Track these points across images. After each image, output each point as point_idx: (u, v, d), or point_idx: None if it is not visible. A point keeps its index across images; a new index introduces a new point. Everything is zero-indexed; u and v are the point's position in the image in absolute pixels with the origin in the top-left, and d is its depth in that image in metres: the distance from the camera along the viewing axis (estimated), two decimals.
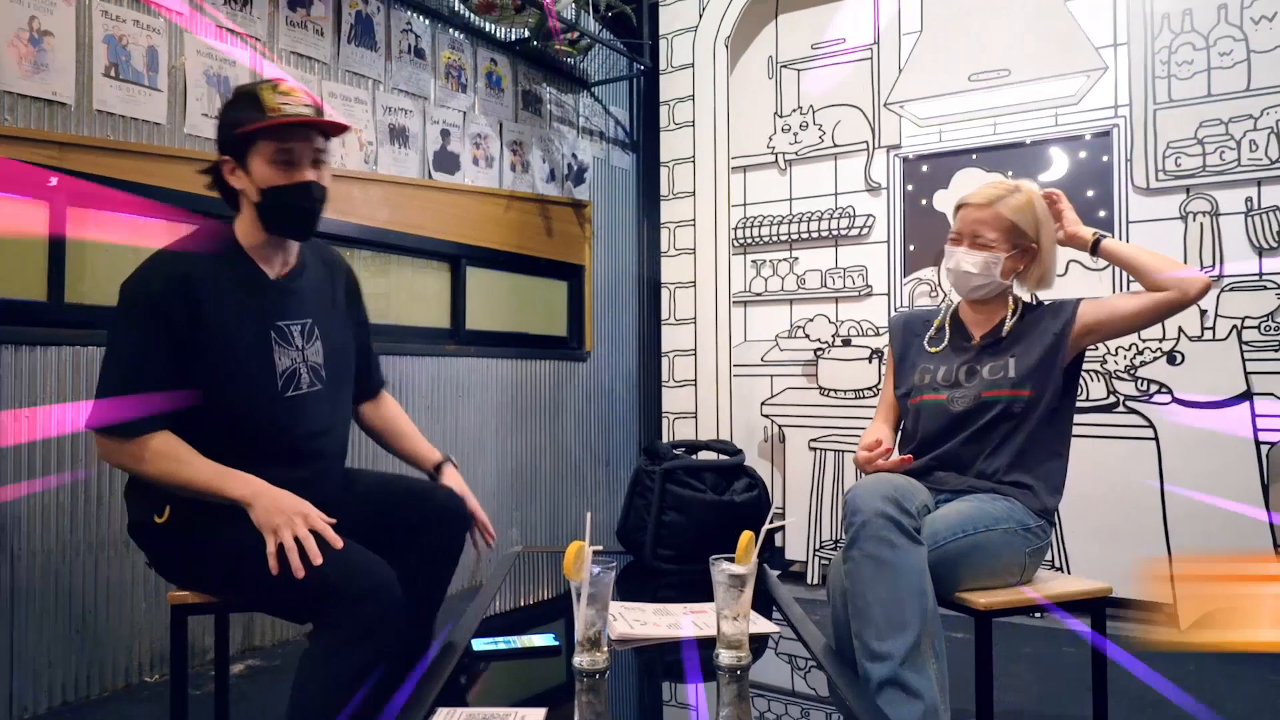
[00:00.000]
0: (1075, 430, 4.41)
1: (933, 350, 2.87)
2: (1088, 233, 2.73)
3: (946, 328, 2.89)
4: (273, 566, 2.04)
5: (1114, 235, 4.40)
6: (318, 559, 2.04)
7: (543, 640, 2.29)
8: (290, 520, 2.08)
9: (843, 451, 5.16)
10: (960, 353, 2.80)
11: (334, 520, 2.16)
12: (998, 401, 2.65)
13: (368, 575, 2.10)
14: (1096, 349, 4.44)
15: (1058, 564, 4.51)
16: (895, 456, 2.68)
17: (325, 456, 2.43)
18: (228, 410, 2.25)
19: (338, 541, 2.11)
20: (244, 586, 2.23)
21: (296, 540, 2.06)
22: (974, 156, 4.83)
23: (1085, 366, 4.44)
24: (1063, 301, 2.75)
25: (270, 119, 2.21)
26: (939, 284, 4.89)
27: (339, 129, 2.35)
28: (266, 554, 2.05)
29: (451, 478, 2.68)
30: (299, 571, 2.03)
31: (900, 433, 2.98)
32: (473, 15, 5.10)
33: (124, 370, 2.16)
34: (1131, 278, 2.68)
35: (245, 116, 2.23)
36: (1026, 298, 2.86)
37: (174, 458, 2.16)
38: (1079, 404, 4.44)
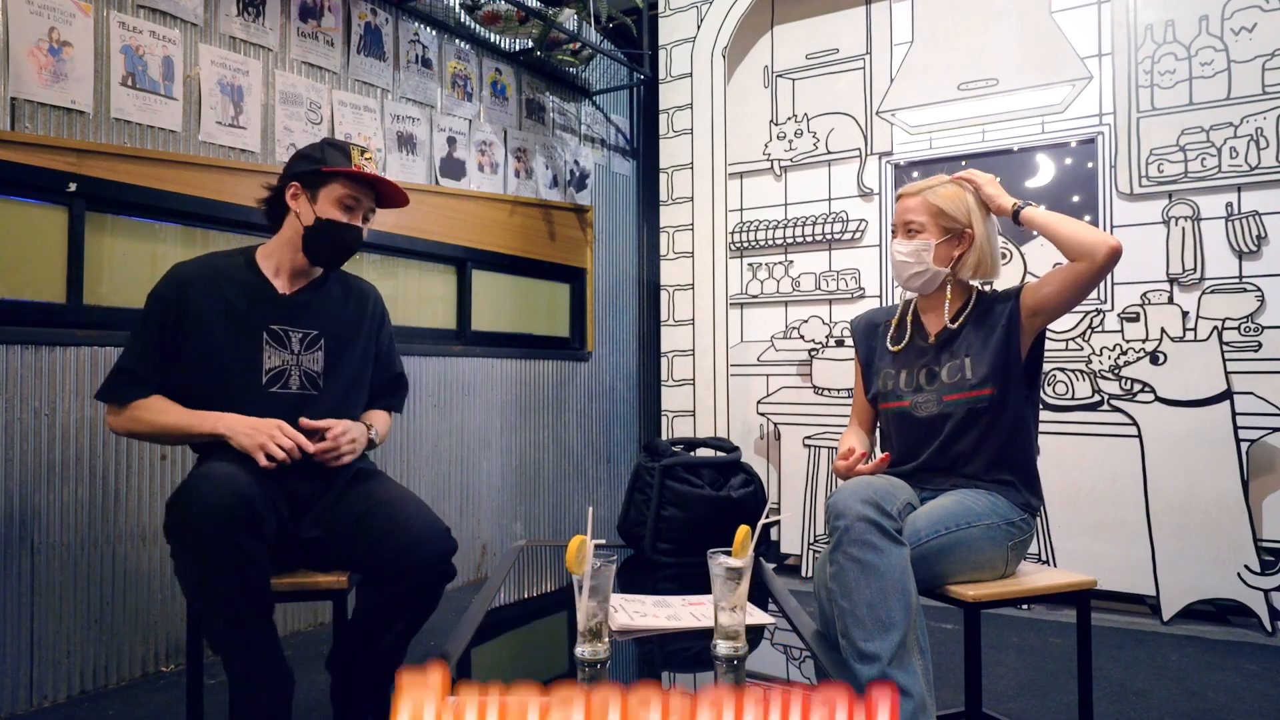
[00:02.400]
0: (1061, 428, 4.47)
1: (894, 350, 2.83)
2: (1008, 202, 2.69)
3: (908, 325, 2.84)
4: (263, 462, 2.35)
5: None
6: (310, 448, 2.44)
7: None
8: (270, 435, 2.38)
9: (836, 449, 5.15)
10: (919, 355, 2.76)
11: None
12: (960, 405, 2.62)
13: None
14: (1080, 349, 4.45)
15: (1044, 557, 4.51)
16: (875, 457, 2.67)
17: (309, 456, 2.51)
18: (214, 399, 2.48)
19: (309, 448, 2.44)
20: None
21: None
22: (963, 163, 4.82)
23: (1070, 366, 4.46)
24: (1010, 288, 2.71)
25: (355, 168, 2.57)
26: None
27: (403, 200, 2.74)
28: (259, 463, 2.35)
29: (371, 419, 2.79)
30: (292, 454, 2.40)
31: (880, 434, 2.97)
32: (478, 27, 5.10)
33: (127, 355, 2.48)
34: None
35: (334, 159, 2.57)
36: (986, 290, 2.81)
37: (154, 410, 2.46)
38: (1064, 403, 4.49)
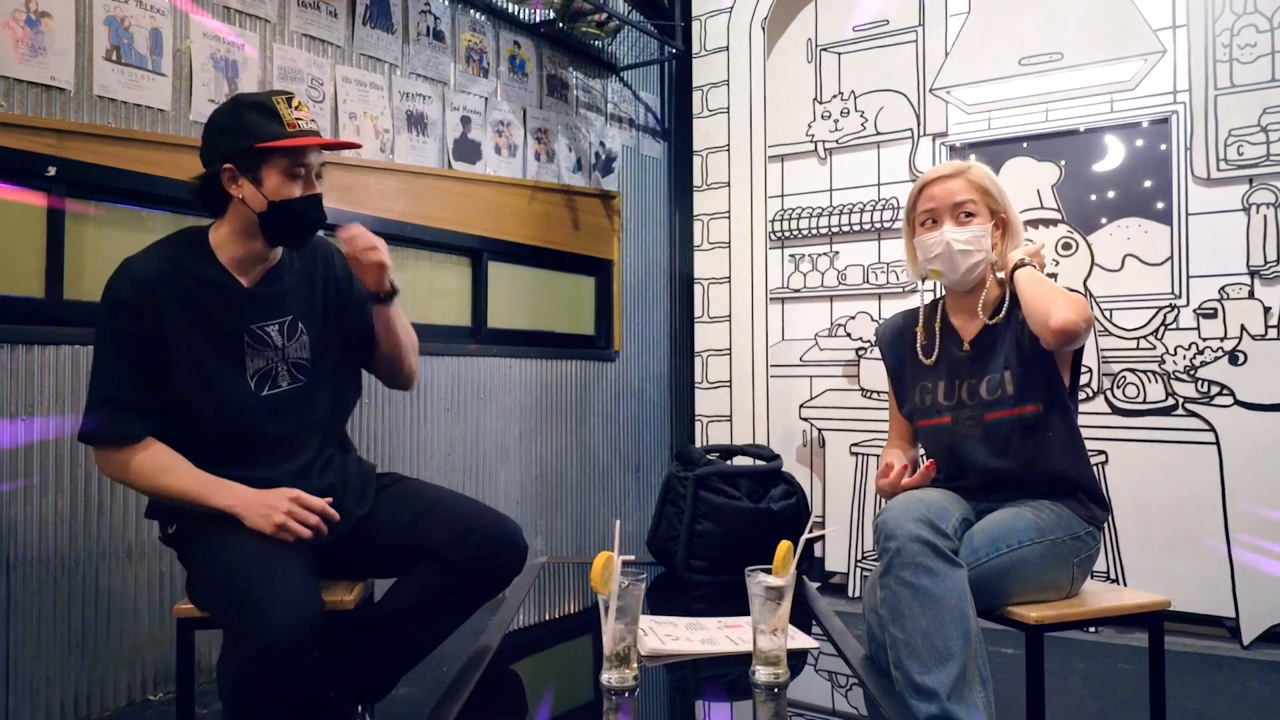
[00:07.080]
0: (1131, 435, 4.43)
1: (928, 362, 2.77)
2: (1014, 259, 2.63)
3: (937, 332, 2.78)
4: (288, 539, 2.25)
5: (1171, 226, 4.37)
6: (334, 514, 2.33)
7: None
8: (288, 511, 2.25)
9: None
10: (954, 365, 2.71)
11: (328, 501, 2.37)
12: (1004, 423, 2.57)
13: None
14: (1153, 348, 4.40)
15: (1113, 575, 4.47)
16: (921, 468, 2.62)
17: (314, 450, 2.50)
18: (202, 414, 2.36)
19: (334, 515, 2.34)
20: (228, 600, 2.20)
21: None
22: (1025, 145, 4.79)
23: (1141, 367, 4.43)
24: None
25: (293, 136, 2.33)
26: None
27: (351, 146, 2.60)
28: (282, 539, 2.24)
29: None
30: (319, 529, 2.29)
31: (924, 448, 2.92)
32: None
33: (106, 381, 2.30)
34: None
35: (264, 127, 2.32)
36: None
37: (160, 468, 2.31)
38: (1134, 407, 4.46)
